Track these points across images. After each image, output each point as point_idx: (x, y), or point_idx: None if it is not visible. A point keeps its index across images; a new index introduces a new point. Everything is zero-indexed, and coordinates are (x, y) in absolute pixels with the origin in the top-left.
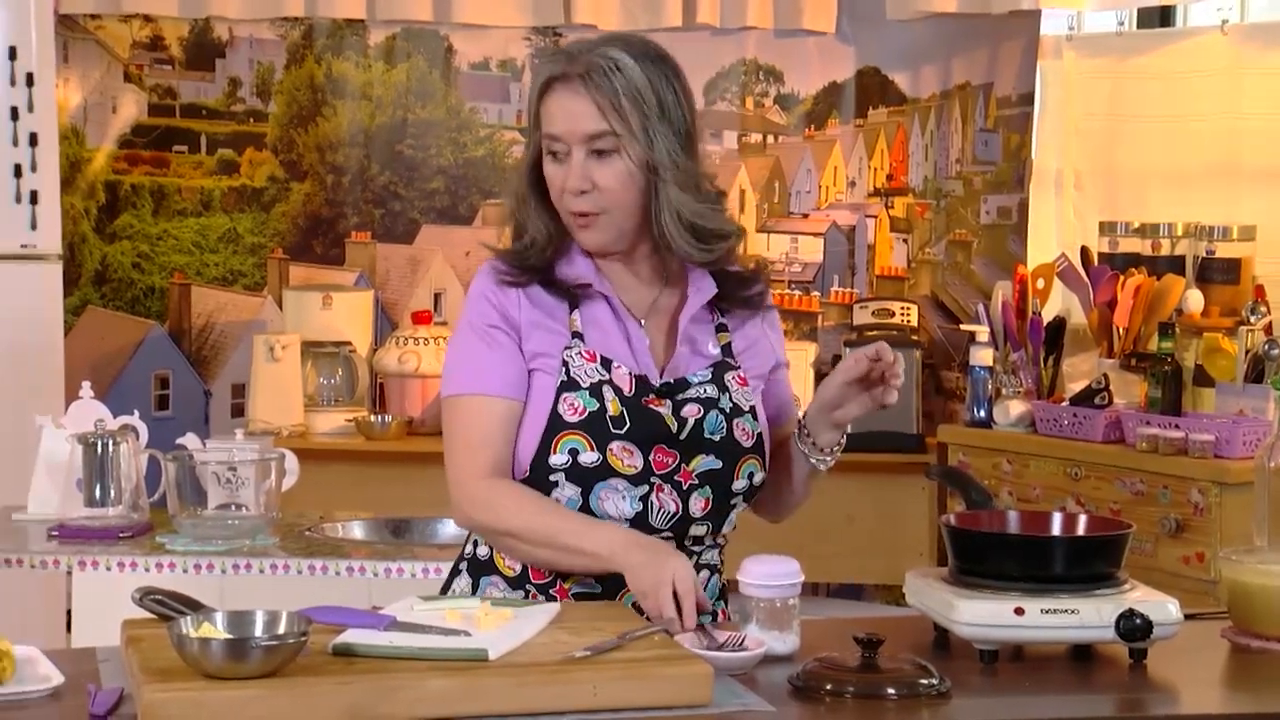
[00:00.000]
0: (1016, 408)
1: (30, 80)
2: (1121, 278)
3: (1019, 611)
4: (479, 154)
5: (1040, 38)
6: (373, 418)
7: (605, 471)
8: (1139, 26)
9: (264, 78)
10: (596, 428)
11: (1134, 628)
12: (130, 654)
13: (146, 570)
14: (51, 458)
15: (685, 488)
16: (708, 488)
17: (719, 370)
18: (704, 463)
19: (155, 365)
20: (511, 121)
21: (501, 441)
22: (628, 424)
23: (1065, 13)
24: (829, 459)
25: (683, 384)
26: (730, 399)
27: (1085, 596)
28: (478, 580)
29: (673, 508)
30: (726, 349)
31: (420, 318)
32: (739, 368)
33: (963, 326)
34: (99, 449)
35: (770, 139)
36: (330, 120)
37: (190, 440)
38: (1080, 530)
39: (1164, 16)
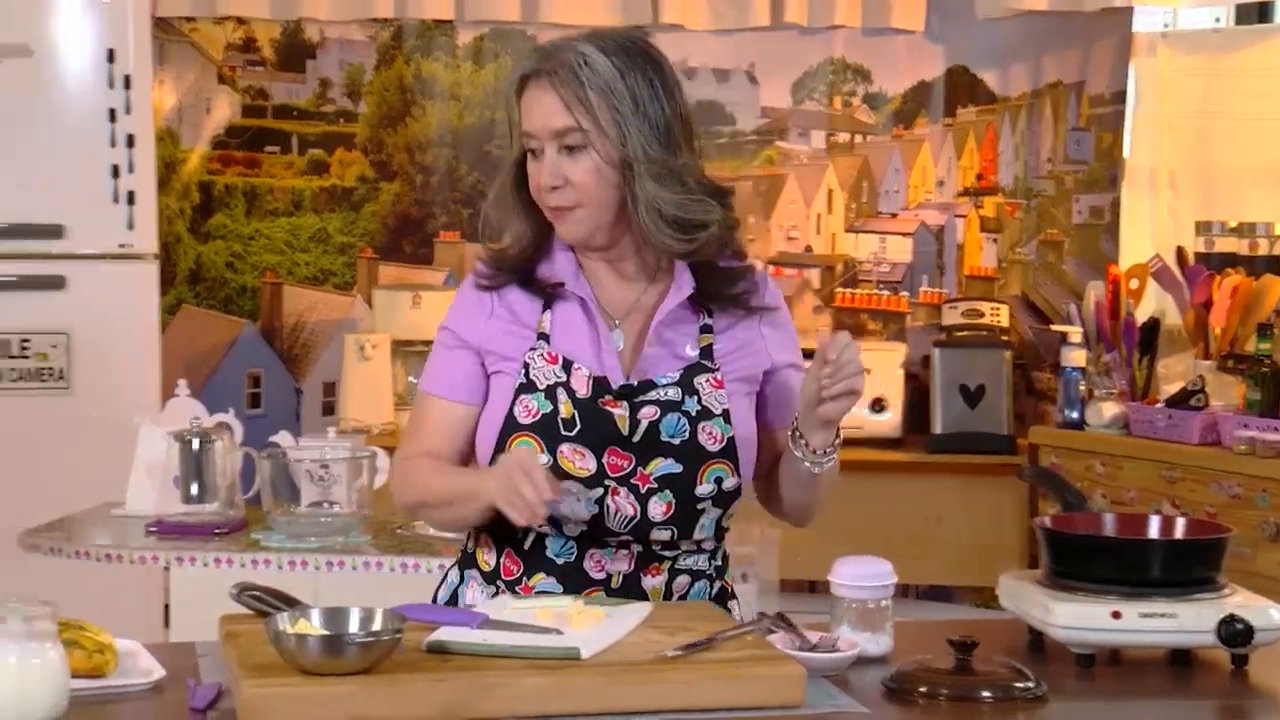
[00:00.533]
0: (1110, 409)
1: (128, 83)
2: (1218, 278)
3: (1116, 615)
4: None
5: (1133, 35)
6: None
7: (557, 474)
8: (1237, 23)
9: (354, 78)
10: (548, 430)
11: (1235, 633)
12: (228, 649)
13: (242, 566)
14: (149, 455)
15: (643, 491)
16: (668, 491)
17: (691, 372)
18: (662, 466)
19: (248, 364)
20: None
21: (439, 436)
22: (578, 426)
23: (1158, 10)
24: (824, 460)
25: (647, 386)
26: (699, 402)
27: (1184, 601)
28: (464, 574)
29: (630, 511)
30: (706, 351)
31: None
32: (716, 370)
33: (1054, 327)
34: (195, 446)
35: (858, 138)
36: (419, 120)
37: (283, 438)
38: (1179, 534)
39: (1262, 12)
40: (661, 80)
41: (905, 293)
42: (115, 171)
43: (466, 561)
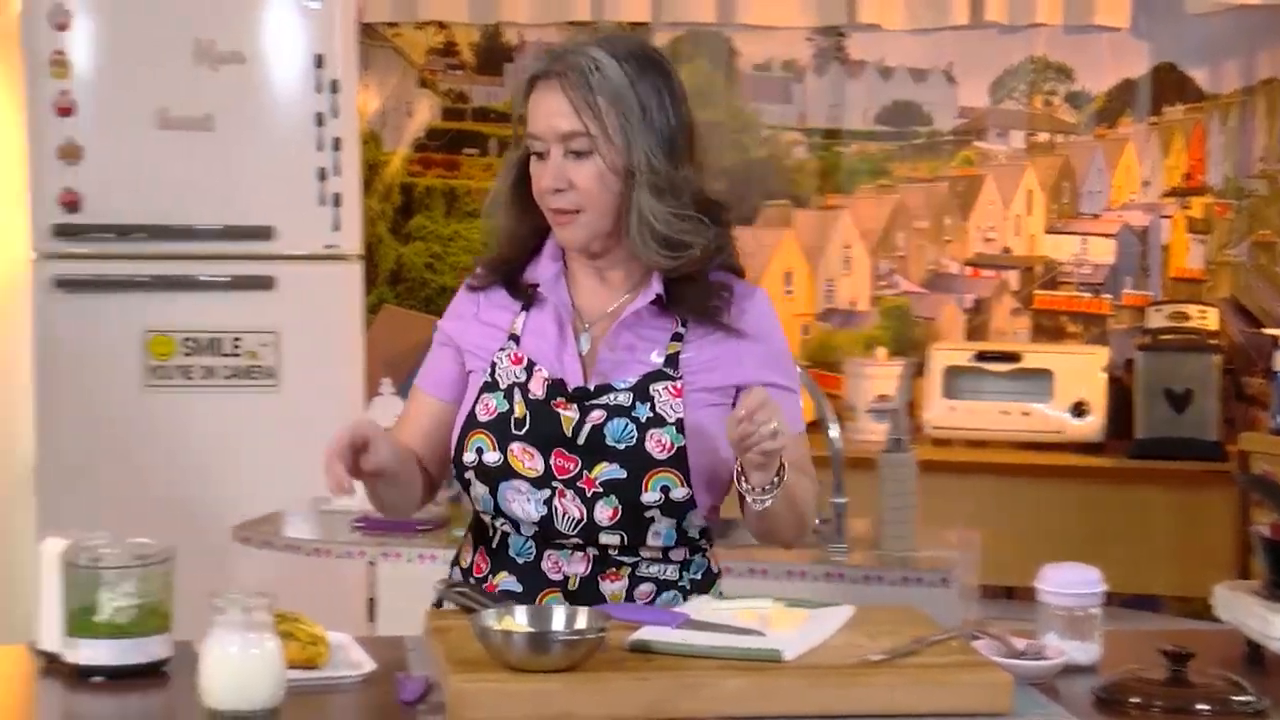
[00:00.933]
0: None
1: (335, 87)
2: None
3: None
4: (761, 155)
5: None
6: None
7: (507, 471)
8: None
9: None
10: (500, 428)
11: None
12: (435, 644)
13: (444, 563)
14: None
15: (589, 495)
16: (613, 496)
17: (649, 379)
18: (606, 471)
19: None
20: (793, 122)
21: (407, 424)
22: (528, 425)
23: None
24: (764, 498)
25: (604, 390)
26: (652, 409)
27: None
28: (452, 571)
29: (576, 514)
30: (672, 359)
31: None
32: (677, 379)
33: (1266, 330)
34: None
35: (1058, 138)
36: None
37: None
38: None
39: None
40: (670, 90)
41: (1107, 295)
42: (322, 174)
43: (456, 560)
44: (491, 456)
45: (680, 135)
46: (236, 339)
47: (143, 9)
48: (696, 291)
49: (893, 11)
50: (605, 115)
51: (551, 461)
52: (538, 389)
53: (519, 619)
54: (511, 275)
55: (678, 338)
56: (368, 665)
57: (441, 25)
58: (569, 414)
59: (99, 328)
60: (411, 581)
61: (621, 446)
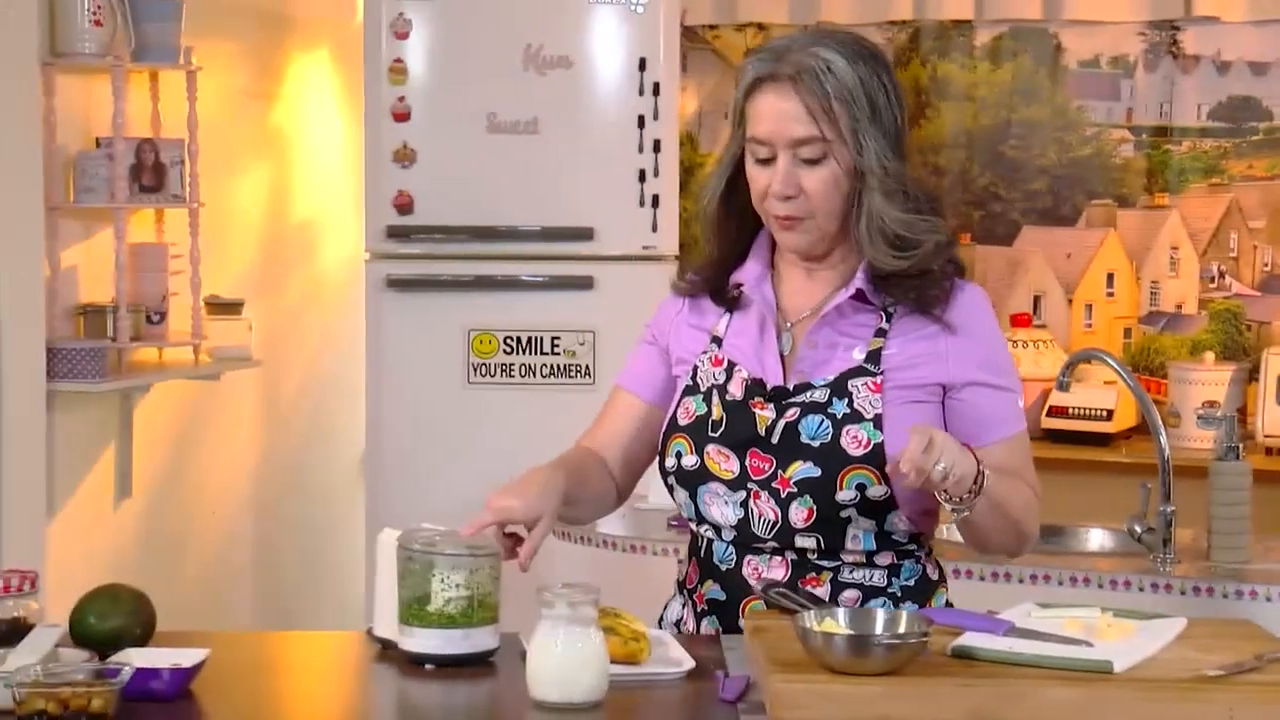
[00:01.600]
0: None
1: (656, 90)
2: None
3: None
4: (1085, 153)
5: None
6: None
7: (705, 475)
8: None
9: None
10: (698, 431)
11: None
12: (755, 644)
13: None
14: None
15: (783, 495)
16: (808, 496)
17: (848, 375)
18: (801, 469)
19: None
20: (1121, 120)
21: (604, 422)
22: (724, 427)
23: None
24: (964, 508)
25: (803, 388)
26: (849, 405)
27: None
28: (675, 585)
29: (771, 516)
30: (874, 355)
31: (1019, 320)
32: (877, 374)
33: None
34: None
35: None
36: (933, 122)
37: None
38: None
39: None
40: (892, 84)
41: None
42: (642, 176)
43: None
44: (690, 460)
45: (903, 131)
46: (555, 338)
47: (477, 17)
48: (916, 280)
49: (1233, 3)
50: (839, 118)
51: (747, 462)
52: (736, 390)
53: (840, 621)
54: (720, 279)
55: (881, 333)
56: (687, 663)
57: (761, 26)
58: (765, 413)
59: (425, 326)
60: None
61: (816, 443)
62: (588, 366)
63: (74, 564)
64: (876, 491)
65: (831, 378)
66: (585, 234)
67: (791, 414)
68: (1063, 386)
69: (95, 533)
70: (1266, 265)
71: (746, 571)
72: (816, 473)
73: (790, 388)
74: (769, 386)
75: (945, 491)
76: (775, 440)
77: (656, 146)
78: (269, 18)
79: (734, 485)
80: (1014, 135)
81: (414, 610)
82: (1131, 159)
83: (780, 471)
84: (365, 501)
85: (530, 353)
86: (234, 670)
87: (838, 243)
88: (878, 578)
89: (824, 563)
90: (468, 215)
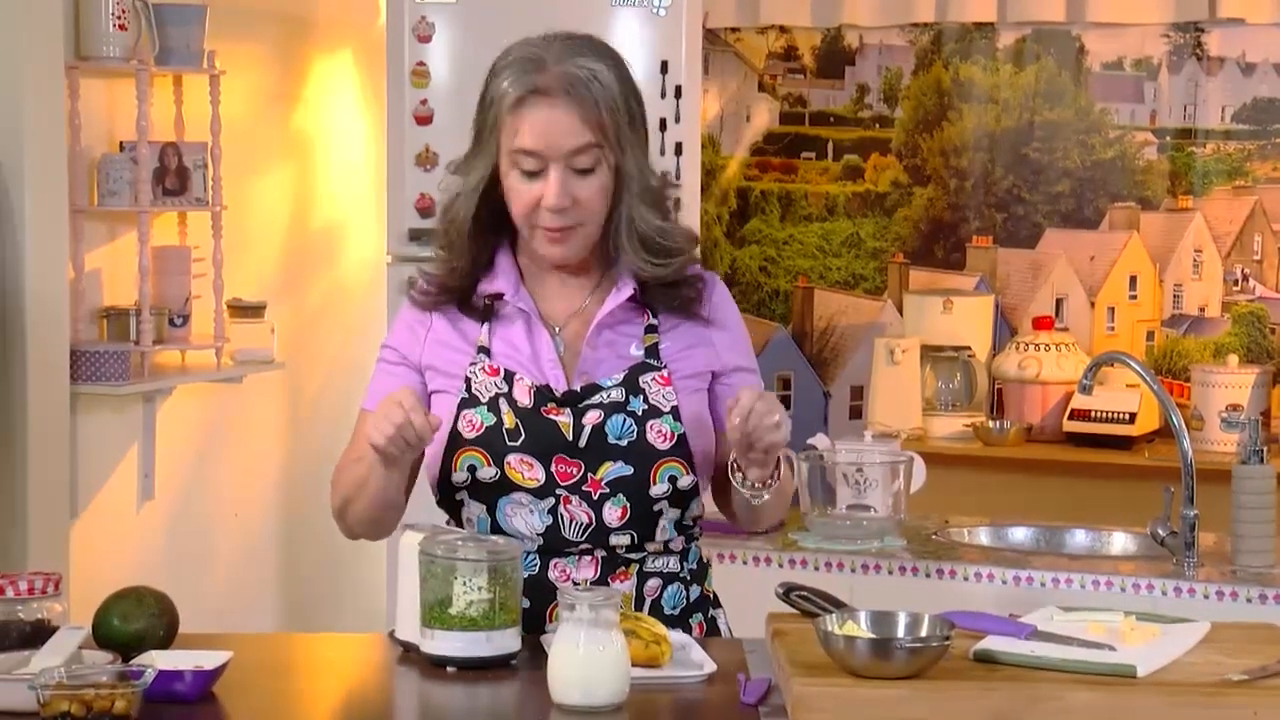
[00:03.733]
0: None
1: (678, 92)
2: None
3: None
4: (1108, 156)
5: None
6: (991, 423)
7: (506, 486)
8: None
9: (891, 84)
10: (492, 442)
11: None
12: (777, 647)
13: (780, 566)
14: None
15: (596, 497)
16: (621, 495)
17: (636, 372)
18: (613, 470)
19: (778, 366)
20: (1145, 122)
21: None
22: (523, 435)
23: None
24: (763, 493)
25: (592, 389)
26: (645, 401)
27: None
28: None
29: (585, 519)
30: (652, 349)
31: (1041, 323)
32: (663, 368)
33: None
34: None
35: None
36: (955, 124)
37: (820, 440)
38: None
39: None
40: (637, 89)
41: None
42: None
43: None
44: (486, 472)
45: (647, 134)
46: None
47: (499, 20)
48: (672, 287)
49: (1259, 5)
50: (608, 127)
51: (553, 469)
52: (523, 397)
53: (861, 624)
54: (467, 290)
55: (652, 329)
56: (709, 666)
57: (783, 29)
58: (563, 419)
59: None
60: (746, 583)
61: (624, 443)
62: None
63: (97, 566)
64: (686, 481)
65: (620, 376)
66: None
67: (594, 416)
68: (1085, 390)
69: (119, 535)
70: None
71: (553, 575)
72: (629, 471)
73: (579, 389)
74: (558, 391)
75: (745, 476)
76: (582, 444)
77: (679, 149)
78: (292, 21)
79: (540, 493)
80: (1037, 137)
81: (435, 613)
82: (1155, 161)
83: (590, 474)
84: None
85: None
86: (256, 672)
87: (597, 251)
88: (673, 563)
89: (632, 555)
90: None
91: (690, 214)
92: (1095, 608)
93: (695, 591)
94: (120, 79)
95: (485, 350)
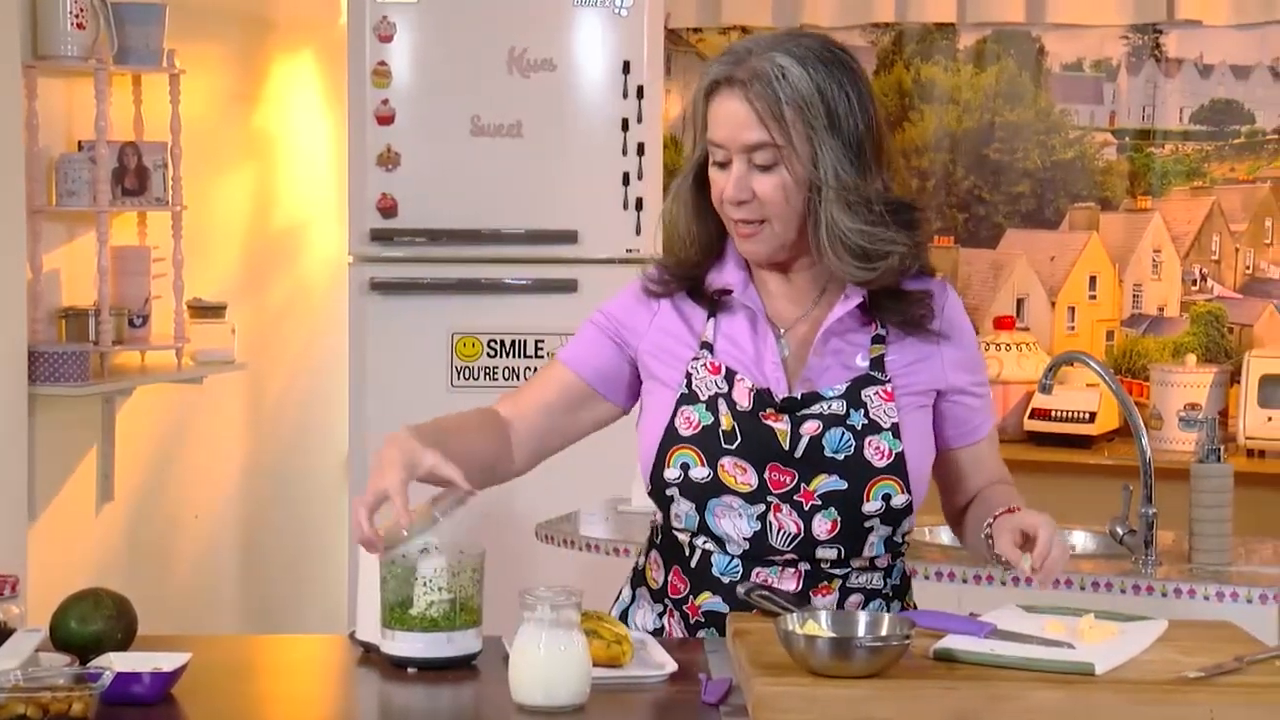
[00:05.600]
0: None
1: (640, 93)
2: None
3: None
4: (1068, 156)
5: None
6: None
7: (718, 488)
8: None
9: None
10: (708, 442)
11: None
12: (737, 646)
13: None
14: None
15: (807, 508)
16: (833, 509)
17: (859, 384)
18: (826, 483)
19: None
20: (1104, 123)
21: (536, 395)
22: (739, 439)
23: None
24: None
25: (812, 398)
26: (866, 415)
27: None
28: (635, 592)
29: (793, 529)
30: (877, 362)
31: (1002, 323)
32: (887, 382)
33: None
34: None
35: None
36: (916, 125)
37: None
38: None
39: None
40: (858, 92)
41: None
42: (626, 179)
43: (637, 579)
44: (700, 472)
45: (869, 140)
46: (539, 341)
47: (460, 20)
48: (899, 303)
49: (1216, 6)
50: (791, 126)
51: (766, 475)
52: (743, 399)
53: (822, 623)
54: (695, 281)
55: (879, 339)
56: (670, 665)
57: (744, 30)
58: (781, 426)
59: (409, 330)
60: None
61: (840, 457)
62: None
63: (55, 568)
64: (900, 500)
65: (842, 388)
66: (569, 237)
67: (812, 427)
68: (1045, 389)
69: (77, 537)
70: (1248, 268)
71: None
72: (842, 486)
73: (799, 397)
74: (778, 396)
75: (990, 544)
76: (798, 454)
77: (640, 150)
78: (252, 20)
79: (751, 499)
80: (997, 138)
81: (396, 614)
82: (1114, 162)
83: (804, 485)
84: (349, 505)
85: (514, 356)
86: (215, 674)
87: (802, 250)
88: (877, 580)
89: (836, 571)
90: (451, 218)
91: (652, 215)
92: (1055, 606)
93: (895, 608)
94: (79, 78)
95: (708, 346)
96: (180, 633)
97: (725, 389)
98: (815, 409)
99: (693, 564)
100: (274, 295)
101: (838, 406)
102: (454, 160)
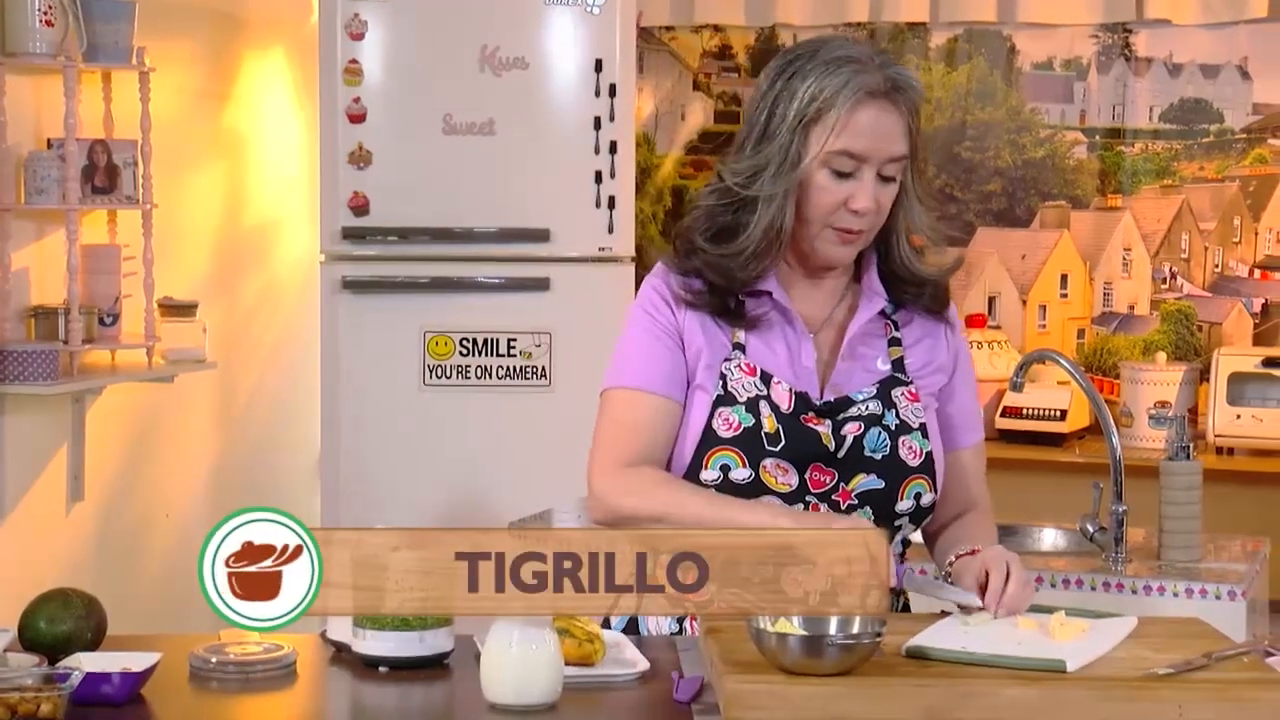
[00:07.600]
0: None
1: (613, 91)
2: None
3: None
4: (1039, 155)
5: None
6: None
7: (758, 488)
8: None
9: None
10: (750, 444)
11: None
12: (709, 644)
13: None
14: None
15: (844, 508)
16: (868, 508)
17: (886, 386)
18: (864, 482)
19: None
20: (1075, 122)
21: (654, 435)
22: (783, 441)
23: None
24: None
25: (845, 402)
26: (897, 415)
27: None
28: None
29: None
30: (898, 364)
31: (973, 321)
32: (909, 383)
33: None
34: None
35: None
36: None
37: None
38: None
39: None
40: None
41: None
42: (598, 178)
43: None
44: (741, 473)
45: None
46: (511, 339)
47: (432, 19)
48: (911, 286)
49: (1184, 6)
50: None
51: (807, 476)
52: (784, 402)
53: (793, 621)
54: (735, 296)
55: (896, 342)
56: (641, 664)
57: (717, 28)
58: (823, 429)
59: (381, 328)
60: None
61: (879, 457)
62: (544, 368)
63: (24, 568)
64: (928, 499)
65: (872, 390)
66: (541, 235)
67: (854, 428)
68: (1016, 387)
69: (47, 536)
70: (1217, 266)
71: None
72: (880, 485)
73: (833, 400)
74: (815, 400)
75: (950, 580)
76: (841, 455)
77: (613, 148)
78: (223, 18)
79: (790, 499)
80: (969, 137)
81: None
82: (1085, 161)
83: (843, 484)
84: (321, 504)
85: (486, 354)
86: (185, 674)
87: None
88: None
89: None
90: (423, 217)
91: (624, 213)
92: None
93: (901, 603)
94: (47, 75)
95: (740, 347)
96: (150, 633)
97: (764, 390)
98: (851, 411)
99: None
100: (245, 294)
101: (874, 407)
102: (426, 158)
